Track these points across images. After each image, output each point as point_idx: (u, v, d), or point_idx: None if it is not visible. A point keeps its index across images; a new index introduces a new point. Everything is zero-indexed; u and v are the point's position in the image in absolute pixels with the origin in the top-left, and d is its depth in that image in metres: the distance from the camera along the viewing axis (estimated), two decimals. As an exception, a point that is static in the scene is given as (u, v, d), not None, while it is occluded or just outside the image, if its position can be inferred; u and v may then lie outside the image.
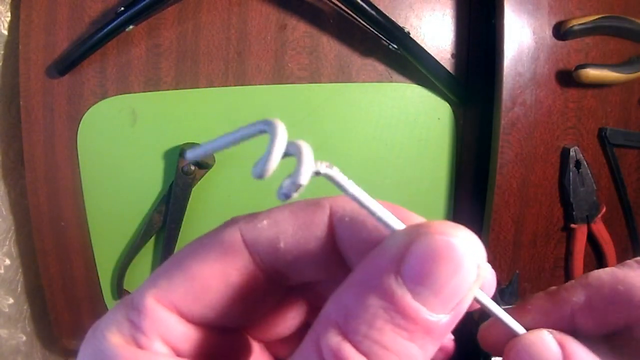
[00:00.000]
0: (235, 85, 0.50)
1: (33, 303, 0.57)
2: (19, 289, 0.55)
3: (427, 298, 0.12)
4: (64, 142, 0.51)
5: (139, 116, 0.50)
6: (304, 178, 0.11)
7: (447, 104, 0.50)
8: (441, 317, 0.13)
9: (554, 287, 0.18)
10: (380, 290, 0.12)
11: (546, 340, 0.16)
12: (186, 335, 0.15)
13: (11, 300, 0.54)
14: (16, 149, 0.54)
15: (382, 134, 0.50)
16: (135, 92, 0.50)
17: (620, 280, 0.16)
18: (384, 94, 0.50)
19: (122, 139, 0.50)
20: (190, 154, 0.14)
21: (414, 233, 0.13)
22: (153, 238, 0.52)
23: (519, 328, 0.16)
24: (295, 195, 0.11)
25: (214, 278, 0.14)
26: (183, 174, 0.48)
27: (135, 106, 0.50)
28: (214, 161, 0.49)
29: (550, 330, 0.16)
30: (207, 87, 0.50)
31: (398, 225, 0.14)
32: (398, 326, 0.12)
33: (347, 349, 0.12)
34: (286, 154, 0.12)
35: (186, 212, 0.50)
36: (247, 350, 0.17)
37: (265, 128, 0.12)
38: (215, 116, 0.50)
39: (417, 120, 0.50)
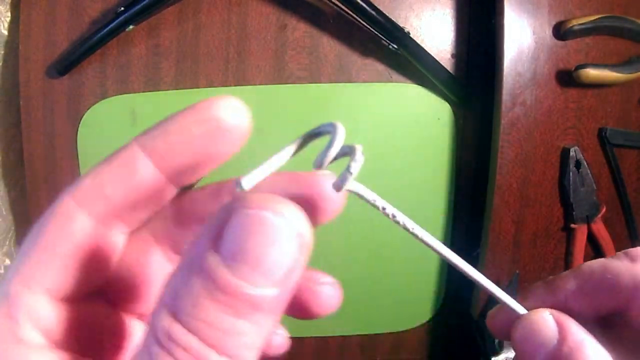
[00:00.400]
0: (235, 85, 0.50)
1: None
2: (19, 289, 0.55)
3: (246, 273, 0.12)
4: (64, 142, 0.51)
5: (139, 116, 0.50)
6: (356, 168, 0.13)
7: (447, 104, 0.50)
8: (266, 291, 0.13)
9: (551, 277, 0.20)
10: (200, 268, 0.13)
11: (546, 318, 0.18)
12: (58, 317, 0.15)
13: (11, 300, 0.54)
14: (16, 149, 0.54)
15: (382, 134, 0.50)
16: (135, 92, 0.50)
17: (609, 269, 0.18)
18: (384, 94, 0.50)
19: (122, 139, 0.50)
20: (246, 183, 0.15)
21: (230, 208, 0.13)
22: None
23: (521, 309, 0.18)
24: (348, 185, 0.13)
25: (60, 244, 0.15)
26: None
27: (135, 106, 0.50)
28: None
29: (550, 310, 0.18)
30: (207, 87, 0.50)
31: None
32: (221, 303, 0.12)
33: (177, 329, 0.12)
34: (342, 153, 0.14)
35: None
36: (122, 326, 0.17)
37: (328, 129, 0.14)
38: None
39: (417, 120, 0.50)
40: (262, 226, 0.13)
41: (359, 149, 0.14)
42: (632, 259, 0.18)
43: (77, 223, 0.15)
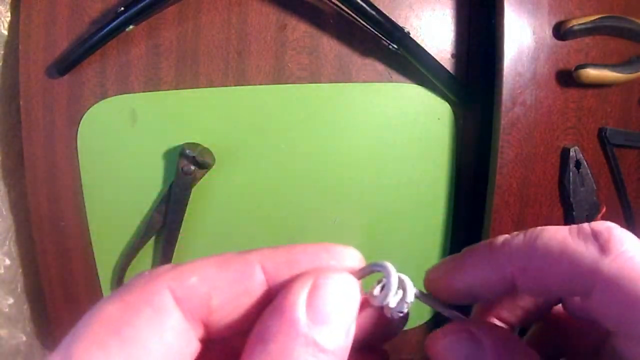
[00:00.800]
0: (235, 85, 0.50)
1: (33, 303, 0.57)
2: (19, 289, 0.55)
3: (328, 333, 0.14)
4: (64, 142, 0.51)
5: (139, 116, 0.50)
6: (411, 297, 0.17)
7: (447, 104, 0.50)
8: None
9: (498, 240, 0.18)
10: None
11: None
12: None
13: (11, 300, 0.54)
14: (16, 149, 0.54)
15: (382, 134, 0.50)
16: (135, 92, 0.50)
17: (570, 254, 0.16)
18: (384, 94, 0.50)
19: (122, 139, 0.51)
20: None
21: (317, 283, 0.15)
22: (153, 238, 0.52)
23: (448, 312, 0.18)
24: (406, 310, 0.17)
25: (150, 341, 0.14)
26: (183, 174, 0.48)
27: (135, 106, 0.50)
28: (214, 161, 0.49)
29: (465, 326, 0.17)
30: (207, 87, 0.50)
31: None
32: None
33: None
34: (399, 287, 0.17)
35: (186, 212, 0.50)
36: None
37: (379, 269, 0.17)
38: (215, 116, 0.50)
39: (417, 120, 0.50)
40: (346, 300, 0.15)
41: (409, 284, 0.17)
42: (602, 250, 0.16)
43: (171, 321, 0.14)
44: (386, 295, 0.16)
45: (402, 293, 0.16)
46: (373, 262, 0.17)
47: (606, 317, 0.16)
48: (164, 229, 0.50)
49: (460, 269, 0.18)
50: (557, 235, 0.17)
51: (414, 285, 0.17)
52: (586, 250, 0.16)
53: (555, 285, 0.16)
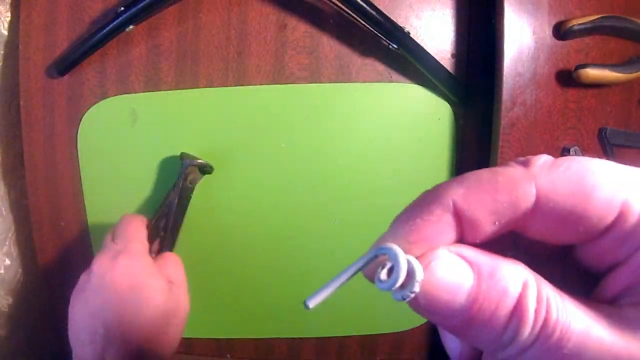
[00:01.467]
0: (235, 85, 0.50)
1: (33, 303, 0.57)
2: (19, 289, 0.55)
3: None
4: (64, 142, 0.51)
5: (139, 116, 0.50)
6: (418, 286, 0.15)
7: (447, 104, 0.50)
8: None
9: (425, 192, 0.17)
10: None
11: (446, 258, 0.15)
12: None
13: (11, 300, 0.54)
14: (16, 149, 0.54)
15: (382, 134, 0.50)
16: (135, 92, 0.50)
17: (500, 173, 0.16)
18: (384, 94, 0.50)
19: (122, 139, 0.51)
20: (310, 302, 0.16)
21: None
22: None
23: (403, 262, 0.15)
24: (411, 296, 0.15)
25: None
26: (186, 182, 0.48)
27: (135, 106, 0.50)
28: (212, 169, 0.49)
29: (443, 247, 0.16)
30: (207, 87, 0.50)
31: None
32: None
33: None
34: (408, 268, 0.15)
35: (187, 211, 0.49)
36: None
37: (385, 251, 0.16)
38: (215, 116, 0.50)
39: (417, 120, 0.50)
40: None
41: (418, 267, 0.15)
42: (524, 164, 0.16)
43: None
44: (396, 280, 0.15)
45: (411, 274, 0.15)
46: (377, 247, 0.16)
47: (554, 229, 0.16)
48: (165, 233, 0.49)
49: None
50: (484, 170, 0.17)
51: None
52: (515, 169, 0.16)
53: (494, 210, 0.16)
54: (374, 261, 0.16)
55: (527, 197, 0.15)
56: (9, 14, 0.51)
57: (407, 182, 0.51)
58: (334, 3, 0.46)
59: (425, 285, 0.15)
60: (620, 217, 0.15)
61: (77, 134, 0.51)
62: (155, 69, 0.50)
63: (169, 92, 0.50)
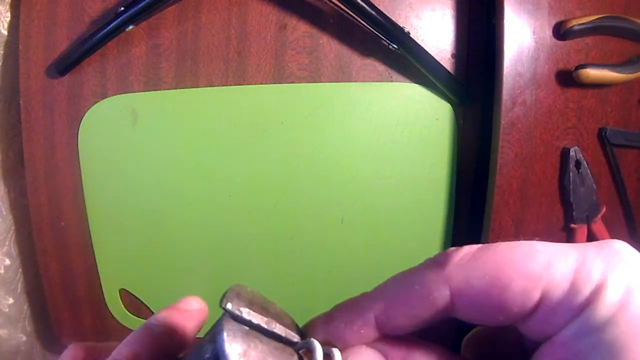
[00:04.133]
0: (235, 85, 0.50)
1: (33, 303, 0.57)
2: (19, 289, 0.55)
3: None
4: (64, 142, 0.51)
5: (140, 116, 0.50)
6: None
7: (447, 104, 0.50)
8: None
9: (358, 296, 0.19)
10: None
11: (366, 354, 0.17)
12: None
13: (11, 300, 0.54)
14: (16, 149, 0.54)
15: (382, 133, 0.50)
16: (135, 92, 0.50)
17: (416, 279, 0.17)
18: (384, 93, 0.50)
19: (122, 139, 0.51)
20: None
21: None
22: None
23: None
24: None
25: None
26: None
27: (135, 106, 0.50)
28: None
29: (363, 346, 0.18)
30: (207, 87, 0.50)
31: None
32: None
33: None
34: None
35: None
36: None
37: (308, 345, 0.18)
38: (216, 115, 0.50)
39: (417, 120, 0.50)
40: None
41: (336, 354, 0.17)
42: (439, 265, 0.17)
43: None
44: None
45: None
46: (305, 341, 0.18)
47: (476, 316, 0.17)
48: None
49: (329, 321, 0.19)
50: (405, 271, 0.18)
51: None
52: (430, 270, 0.17)
53: (416, 310, 0.17)
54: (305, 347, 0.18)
55: (442, 298, 0.16)
56: (9, 14, 0.51)
57: (406, 181, 0.51)
58: (334, 3, 0.46)
59: None
60: (544, 299, 0.15)
61: (77, 133, 0.51)
62: (155, 69, 0.50)
63: (169, 91, 0.50)
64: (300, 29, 0.49)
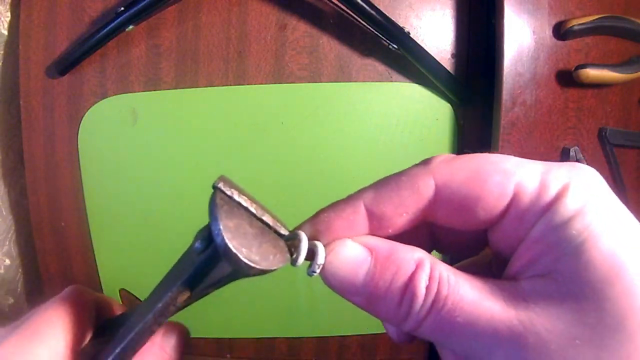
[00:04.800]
0: (235, 85, 0.50)
1: (33, 303, 0.57)
2: (19, 289, 0.55)
3: None
4: (64, 142, 0.51)
5: (140, 116, 0.50)
6: (321, 259, 0.18)
7: (447, 104, 0.50)
8: None
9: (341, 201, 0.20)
10: None
11: (347, 244, 0.18)
12: None
13: (11, 300, 0.54)
14: (16, 149, 0.54)
15: (382, 133, 0.50)
16: (135, 92, 0.50)
17: (405, 173, 0.19)
18: (384, 93, 0.50)
19: (122, 139, 0.51)
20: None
21: None
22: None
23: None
24: (318, 271, 0.18)
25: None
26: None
27: (135, 106, 0.50)
28: None
29: (347, 238, 0.18)
30: (207, 87, 0.50)
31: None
32: None
33: None
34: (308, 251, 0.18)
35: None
36: None
37: (294, 236, 0.20)
38: (216, 115, 0.50)
39: (417, 120, 0.50)
40: None
41: (319, 247, 0.18)
42: (425, 162, 0.19)
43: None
44: (297, 258, 0.18)
45: (316, 255, 0.18)
46: (293, 232, 0.20)
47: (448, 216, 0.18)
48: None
49: (321, 222, 0.20)
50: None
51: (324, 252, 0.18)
52: (417, 167, 0.19)
53: (404, 205, 0.18)
54: (291, 243, 0.20)
55: (426, 187, 0.18)
56: (9, 14, 0.51)
57: (407, 182, 0.51)
58: (334, 3, 0.46)
59: (328, 265, 0.18)
60: (515, 197, 0.17)
61: (77, 133, 0.51)
62: (155, 69, 0.50)
63: (169, 91, 0.50)
64: (300, 29, 0.49)
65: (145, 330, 0.20)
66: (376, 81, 0.50)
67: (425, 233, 0.20)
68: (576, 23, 0.45)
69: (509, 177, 0.17)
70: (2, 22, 0.51)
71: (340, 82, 0.50)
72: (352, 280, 0.18)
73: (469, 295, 0.16)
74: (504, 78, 0.46)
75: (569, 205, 0.16)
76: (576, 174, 0.18)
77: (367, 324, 0.54)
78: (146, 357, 0.22)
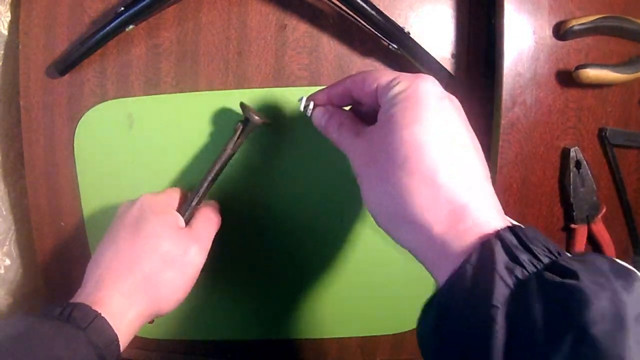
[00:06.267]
0: (235, 86, 0.50)
1: (33, 303, 0.57)
2: (19, 289, 0.55)
3: None
4: (63, 143, 0.51)
5: (136, 120, 0.50)
6: (310, 107, 0.41)
7: (447, 104, 0.50)
8: None
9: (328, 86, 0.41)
10: None
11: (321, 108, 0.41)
12: None
13: (11, 300, 0.54)
14: (16, 149, 0.54)
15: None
16: (135, 93, 0.50)
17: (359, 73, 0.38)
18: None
19: (119, 142, 0.50)
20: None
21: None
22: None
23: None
24: (309, 113, 0.41)
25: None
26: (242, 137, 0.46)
27: (132, 110, 0.50)
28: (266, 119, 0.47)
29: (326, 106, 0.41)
30: (206, 88, 0.50)
31: None
32: None
33: None
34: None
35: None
36: None
37: (302, 97, 0.41)
38: (213, 119, 0.50)
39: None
40: None
41: (311, 104, 0.41)
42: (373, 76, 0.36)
43: None
44: (300, 105, 0.41)
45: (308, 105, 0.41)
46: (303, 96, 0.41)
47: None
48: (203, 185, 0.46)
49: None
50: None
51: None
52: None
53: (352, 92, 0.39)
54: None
55: (369, 87, 0.36)
56: (9, 14, 0.51)
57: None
58: (334, 3, 0.46)
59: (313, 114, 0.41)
60: (376, 89, 0.35)
61: (73, 136, 0.51)
62: (155, 69, 0.50)
63: (166, 95, 0.50)
64: (300, 29, 0.49)
65: (217, 169, 0.46)
66: (376, 81, 0.50)
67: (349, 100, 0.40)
68: (576, 23, 0.45)
69: (374, 79, 0.35)
70: (2, 22, 0.51)
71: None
72: (322, 125, 0.40)
73: (348, 128, 0.37)
74: (504, 78, 0.46)
75: (401, 86, 0.33)
76: (417, 75, 0.34)
77: (367, 326, 0.54)
78: (201, 216, 0.45)
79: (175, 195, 0.46)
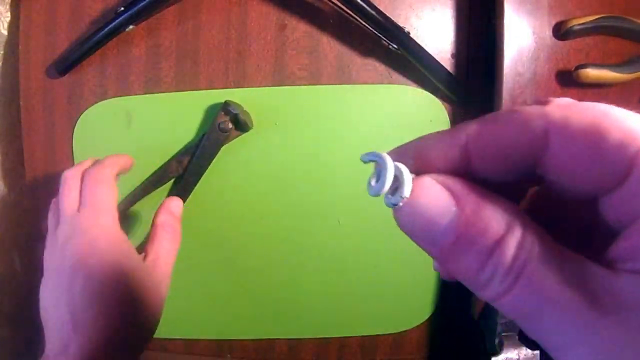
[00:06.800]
0: (235, 85, 0.50)
1: (33, 303, 0.57)
2: (19, 289, 0.55)
3: None
4: (63, 142, 0.51)
5: (134, 118, 0.50)
6: (407, 192, 0.15)
7: (447, 105, 0.50)
8: None
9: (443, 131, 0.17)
10: None
11: (429, 185, 0.15)
12: None
13: (11, 300, 0.54)
14: (16, 149, 0.54)
15: (383, 135, 0.50)
16: (135, 93, 0.50)
17: (515, 109, 0.15)
18: (384, 95, 0.50)
19: (117, 141, 0.50)
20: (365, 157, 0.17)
21: None
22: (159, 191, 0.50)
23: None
24: (401, 204, 0.15)
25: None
26: (219, 130, 0.47)
27: (130, 108, 0.50)
28: (252, 125, 0.48)
29: (431, 175, 0.15)
30: (206, 88, 0.50)
31: None
32: None
33: None
34: (395, 176, 0.16)
35: (208, 169, 0.49)
36: None
37: (375, 159, 0.17)
38: (211, 118, 0.50)
39: (417, 121, 0.50)
40: None
41: (406, 175, 0.15)
42: (542, 103, 0.15)
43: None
44: (383, 183, 0.15)
45: (399, 185, 0.15)
46: (371, 152, 0.17)
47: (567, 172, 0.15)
48: (181, 180, 0.48)
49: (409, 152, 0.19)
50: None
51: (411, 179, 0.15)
52: (530, 106, 0.15)
53: (510, 145, 0.15)
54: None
55: (537, 128, 0.14)
56: (9, 14, 0.51)
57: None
58: (334, 3, 0.46)
59: (413, 201, 0.15)
60: (635, 162, 0.13)
61: (72, 136, 0.51)
62: (155, 69, 0.50)
63: (164, 94, 0.50)
64: (300, 29, 0.49)
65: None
66: (376, 81, 0.50)
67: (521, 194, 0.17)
68: (576, 23, 0.45)
69: (632, 136, 0.14)
70: (2, 22, 0.51)
71: (340, 82, 0.50)
72: (430, 228, 0.15)
73: (556, 276, 0.13)
74: (504, 78, 0.46)
75: None
76: None
77: (367, 325, 0.54)
78: (158, 213, 0.42)
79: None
